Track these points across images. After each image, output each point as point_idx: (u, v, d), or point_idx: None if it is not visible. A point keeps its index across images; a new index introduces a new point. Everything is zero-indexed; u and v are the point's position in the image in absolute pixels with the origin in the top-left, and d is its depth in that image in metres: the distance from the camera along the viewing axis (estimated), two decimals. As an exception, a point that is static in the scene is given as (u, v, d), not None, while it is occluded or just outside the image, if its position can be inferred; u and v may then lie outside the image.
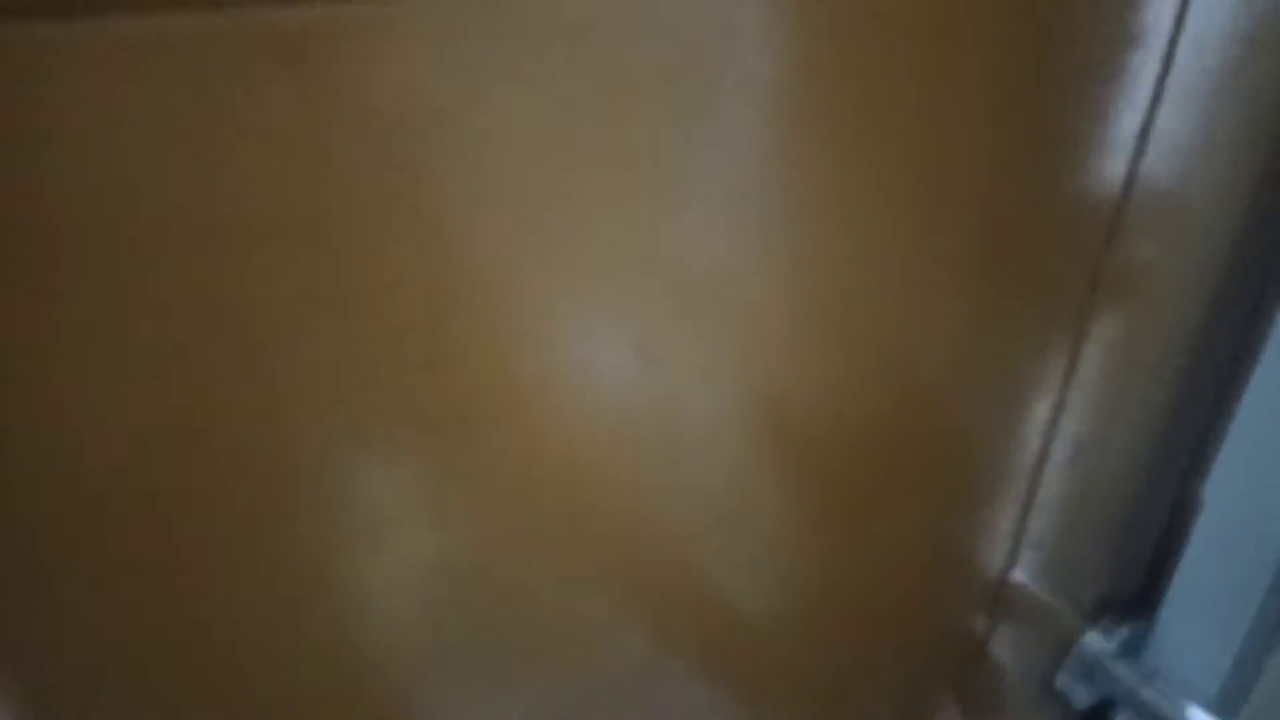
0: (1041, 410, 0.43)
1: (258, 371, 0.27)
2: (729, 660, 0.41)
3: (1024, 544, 0.46)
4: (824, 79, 0.30)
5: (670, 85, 0.28)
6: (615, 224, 0.29)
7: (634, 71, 0.27)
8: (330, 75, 0.24)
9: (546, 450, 0.32)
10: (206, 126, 0.23)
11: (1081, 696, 0.46)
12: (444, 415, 0.30)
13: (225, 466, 0.28)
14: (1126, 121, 0.37)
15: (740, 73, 0.28)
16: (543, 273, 0.29)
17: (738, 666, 0.41)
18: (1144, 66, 0.36)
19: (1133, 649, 0.47)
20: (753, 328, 0.33)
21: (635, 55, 0.27)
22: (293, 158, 0.24)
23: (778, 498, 0.37)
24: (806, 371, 0.35)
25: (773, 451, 0.36)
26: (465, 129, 0.25)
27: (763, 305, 0.33)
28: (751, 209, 0.30)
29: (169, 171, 0.23)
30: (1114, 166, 0.38)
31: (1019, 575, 0.47)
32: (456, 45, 0.25)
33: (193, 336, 0.25)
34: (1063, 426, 0.44)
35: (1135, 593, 0.51)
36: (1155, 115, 0.38)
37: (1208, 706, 0.44)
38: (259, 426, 0.27)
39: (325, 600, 0.31)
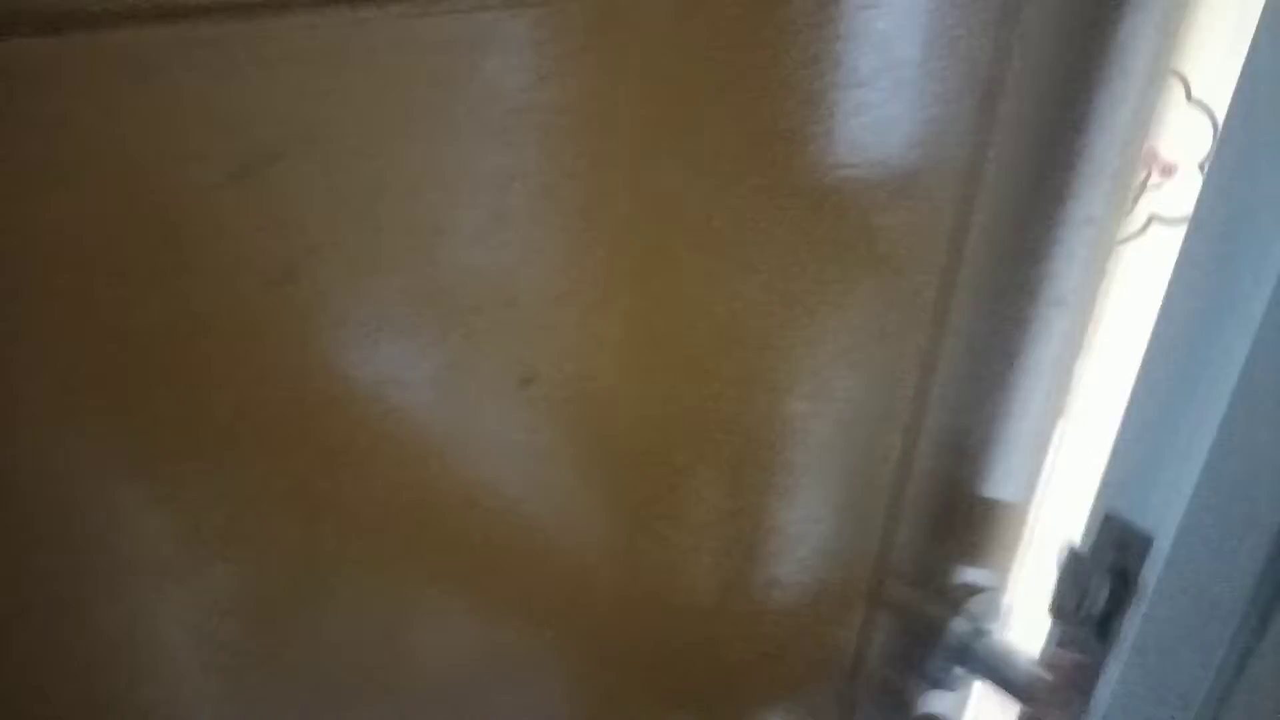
0: (902, 411, 0.44)
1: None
2: (601, 665, 0.41)
3: (893, 540, 0.48)
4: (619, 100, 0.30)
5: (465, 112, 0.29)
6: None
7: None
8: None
9: (353, 469, 0.31)
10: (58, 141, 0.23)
11: (952, 678, 0.49)
12: (237, 430, 0.29)
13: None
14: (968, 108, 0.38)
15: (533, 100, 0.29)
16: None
17: (613, 670, 0.41)
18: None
19: (994, 631, 0.51)
20: (581, 341, 0.34)
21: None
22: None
23: (635, 505, 0.38)
24: (647, 381, 0.35)
25: (608, 465, 0.37)
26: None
27: (596, 318, 0.33)
28: (568, 227, 0.31)
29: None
30: (959, 156, 0.39)
31: (890, 569, 0.49)
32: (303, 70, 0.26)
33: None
34: (926, 425, 0.45)
35: (995, 578, 0.55)
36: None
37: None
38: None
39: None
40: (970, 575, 0.54)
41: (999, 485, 0.52)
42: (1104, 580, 0.39)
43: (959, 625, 0.49)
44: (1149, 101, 0.44)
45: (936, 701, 0.55)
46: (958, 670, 0.49)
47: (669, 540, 0.42)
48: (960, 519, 0.52)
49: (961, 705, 0.59)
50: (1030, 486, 0.54)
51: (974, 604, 0.50)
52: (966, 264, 0.42)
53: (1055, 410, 0.53)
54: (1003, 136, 0.39)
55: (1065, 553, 0.41)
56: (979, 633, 0.49)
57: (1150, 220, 0.57)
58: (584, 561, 0.39)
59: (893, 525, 0.48)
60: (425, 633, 0.36)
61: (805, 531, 0.46)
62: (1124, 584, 0.39)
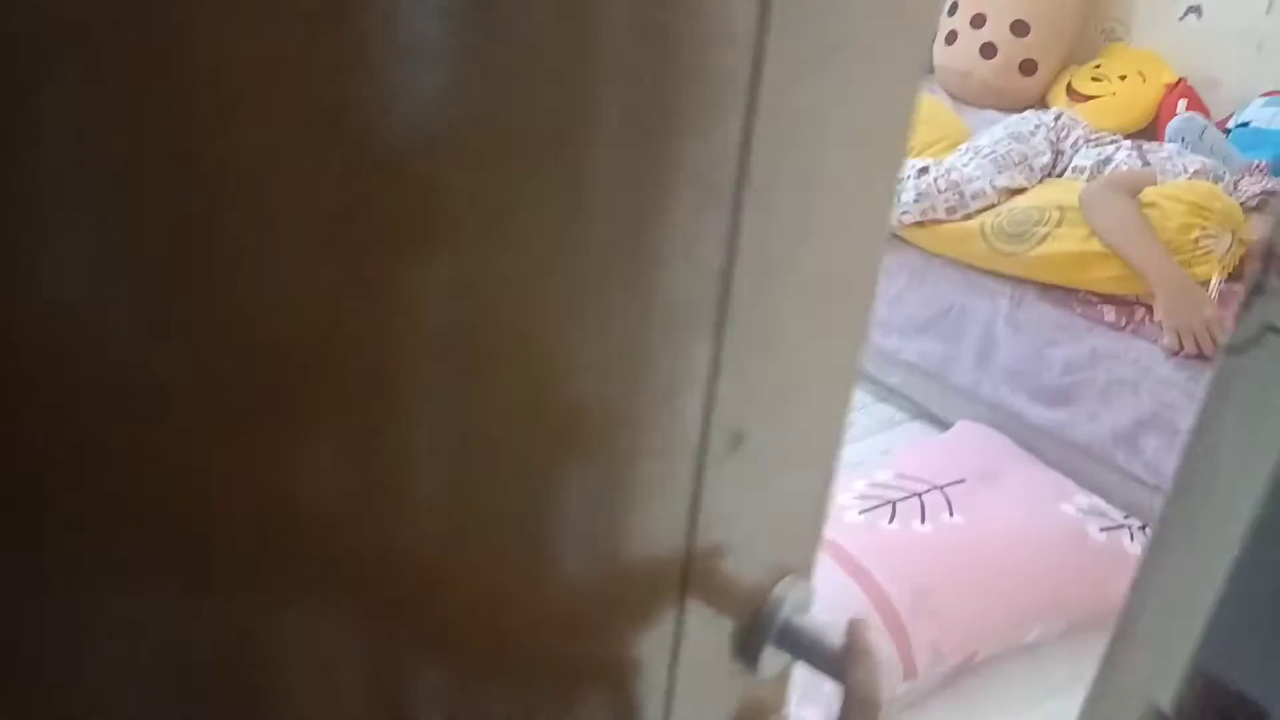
0: (694, 402, 0.44)
1: None
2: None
3: (699, 526, 0.48)
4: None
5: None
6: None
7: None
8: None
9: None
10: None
11: (772, 659, 0.50)
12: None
13: None
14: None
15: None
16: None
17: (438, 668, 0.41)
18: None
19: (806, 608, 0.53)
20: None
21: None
22: None
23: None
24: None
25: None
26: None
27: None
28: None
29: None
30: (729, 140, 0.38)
31: (701, 556, 0.49)
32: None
33: None
34: (717, 415, 0.45)
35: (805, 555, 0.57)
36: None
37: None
38: None
39: None
40: (779, 556, 0.55)
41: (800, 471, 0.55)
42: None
43: (773, 605, 0.51)
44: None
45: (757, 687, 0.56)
46: (774, 652, 0.50)
47: (535, 545, 0.41)
48: (766, 501, 0.53)
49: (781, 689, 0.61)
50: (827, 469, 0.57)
51: (784, 585, 0.52)
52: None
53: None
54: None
55: (1152, 715, 0.39)
56: (793, 613, 0.51)
57: (1265, 330, 0.54)
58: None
59: (696, 511, 0.48)
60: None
61: (614, 522, 0.45)
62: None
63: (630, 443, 0.43)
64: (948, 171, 1.91)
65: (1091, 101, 2.85)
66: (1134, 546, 1.49)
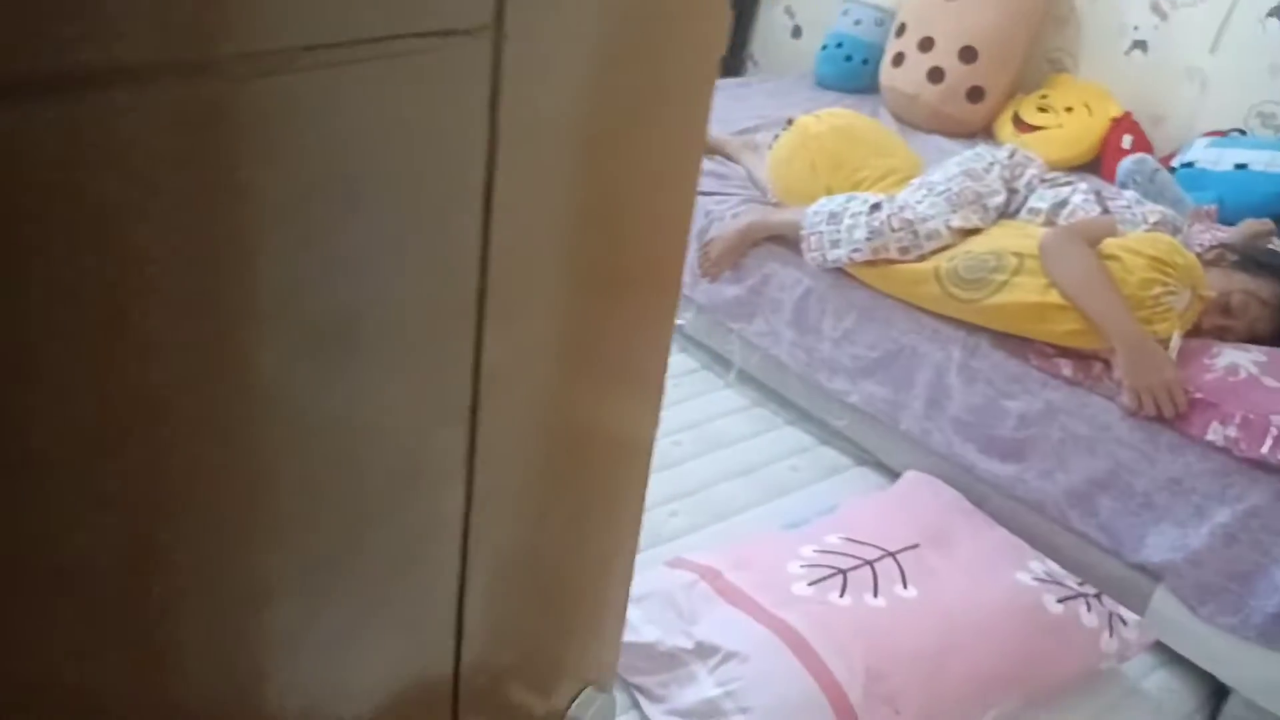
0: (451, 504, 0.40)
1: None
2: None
3: (467, 647, 0.45)
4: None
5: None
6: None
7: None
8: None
9: None
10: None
11: None
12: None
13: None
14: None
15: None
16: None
17: None
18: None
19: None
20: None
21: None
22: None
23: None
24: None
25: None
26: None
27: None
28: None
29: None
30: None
31: (473, 678, 0.46)
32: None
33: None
34: (474, 523, 0.41)
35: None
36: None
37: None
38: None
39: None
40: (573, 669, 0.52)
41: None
42: None
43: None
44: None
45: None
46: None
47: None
48: (545, 611, 0.51)
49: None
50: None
51: (582, 702, 0.48)
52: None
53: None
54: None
55: None
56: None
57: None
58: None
59: (462, 632, 0.44)
60: None
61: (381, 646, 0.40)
62: None
63: (368, 563, 0.37)
64: (901, 209, 1.83)
65: (1039, 133, 2.81)
66: (1091, 618, 1.42)
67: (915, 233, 1.79)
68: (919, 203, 1.84)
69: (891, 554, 1.47)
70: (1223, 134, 2.56)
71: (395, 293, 0.31)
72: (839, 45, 3.22)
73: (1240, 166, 2.37)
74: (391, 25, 0.27)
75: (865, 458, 2.01)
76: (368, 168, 0.28)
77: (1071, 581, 1.50)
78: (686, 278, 2.27)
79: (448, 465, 0.38)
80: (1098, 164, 2.76)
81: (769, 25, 3.86)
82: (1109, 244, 1.61)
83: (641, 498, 0.56)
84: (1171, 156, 2.61)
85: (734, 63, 3.95)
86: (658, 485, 1.89)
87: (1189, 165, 2.47)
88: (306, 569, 0.34)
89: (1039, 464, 1.66)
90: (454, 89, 0.30)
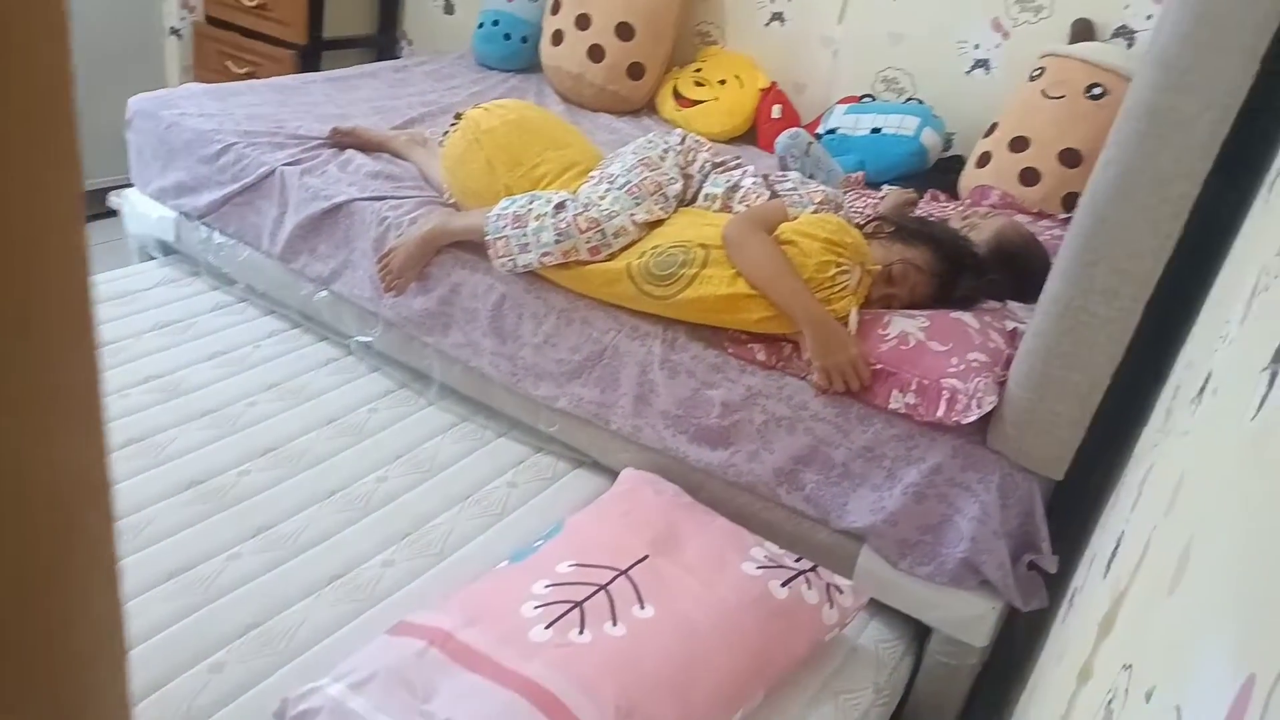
0: None
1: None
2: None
3: None
4: None
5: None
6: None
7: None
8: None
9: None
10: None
11: None
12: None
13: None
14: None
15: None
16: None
17: None
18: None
19: None
20: None
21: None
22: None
23: None
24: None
25: None
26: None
27: None
28: None
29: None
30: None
31: None
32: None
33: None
34: None
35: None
36: None
37: None
38: None
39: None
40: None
41: None
42: None
43: None
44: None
45: None
46: None
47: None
48: None
49: None
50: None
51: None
52: None
53: None
54: None
55: None
56: None
57: None
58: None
59: None
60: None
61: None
62: None
63: None
64: (586, 208, 1.78)
65: (698, 106, 2.90)
66: (812, 594, 1.49)
67: (603, 232, 1.75)
68: (602, 199, 1.80)
69: (624, 572, 1.44)
70: (857, 100, 2.78)
71: None
72: (495, 23, 3.11)
73: (875, 131, 2.59)
74: None
75: (582, 459, 1.97)
76: None
77: (790, 560, 1.56)
78: (368, 291, 2.08)
79: None
80: (754, 134, 2.91)
81: (418, 1, 3.65)
82: (784, 229, 1.67)
83: (111, 574, 0.38)
84: (817, 122, 2.81)
85: (386, 42, 3.71)
86: (367, 532, 1.73)
87: (832, 132, 2.67)
88: None
89: (746, 447, 1.71)
90: None
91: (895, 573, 1.61)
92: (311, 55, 3.37)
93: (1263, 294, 0.76)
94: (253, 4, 3.33)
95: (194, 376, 2.05)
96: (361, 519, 1.73)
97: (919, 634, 1.68)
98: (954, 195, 2.52)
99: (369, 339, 2.17)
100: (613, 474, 1.91)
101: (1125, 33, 2.47)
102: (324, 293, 2.20)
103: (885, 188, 2.49)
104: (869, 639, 1.64)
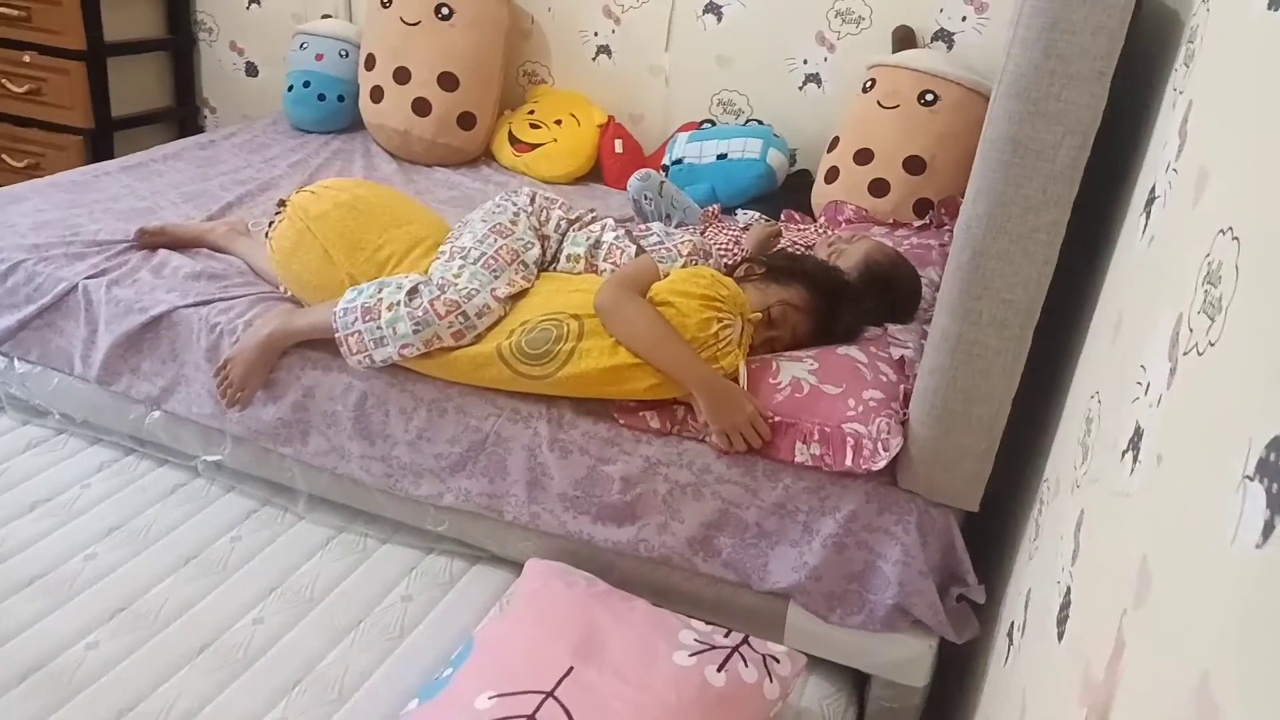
0: None
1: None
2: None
3: None
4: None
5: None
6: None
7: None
8: None
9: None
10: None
11: None
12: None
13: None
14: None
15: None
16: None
17: None
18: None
19: None
20: None
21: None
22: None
23: None
24: None
25: None
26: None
27: None
28: None
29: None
30: None
31: None
32: None
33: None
34: None
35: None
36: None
37: None
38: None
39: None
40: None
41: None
42: None
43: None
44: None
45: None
46: None
47: None
48: None
49: None
50: None
51: None
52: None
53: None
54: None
55: None
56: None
57: None
58: None
59: None
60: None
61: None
62: None
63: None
64: (442, 290, 1.64)
65: (537, 150, 2.79)
66: (750, 672, 1.41)
67: (465, 314, 1.62)
68: (458, 277, 1.67)
69: (550, 694, 1.32)
70: (697, 125, 2.75)
71: None
72: (306, 84, 2.91)
73: (722, 157, 2.55)
74: None
75: (479, 554, 1.83)
76: None
77: (720, 637, 1.47)
78: (209, 407, 1.87)
79: None
80: (599, 170, 2.83)
81: (216, 65, 3.39)
82: (659, 291, 1.59)
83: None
84: (661, 152, 2.75)
85: (186, 114, 3.42)
86: (251, 689, 1.51)
87: (679, 162, 2.62)
88: None
89: (654, 519, 1.61)
90: None
91: (826, 626, 1.55)
92: (102, 138, 3.06)
93: (1194, 357, 0.73)
94: (22, 90, 2.99)
95: (13, 536, 1.78)
96: (242, 674, 1.53)
97: (859, 681, 1.63)
98: (808, 212, 2.51)
99: (217, 457, 1.96)
100: (514, 565, 1.78)
101: (944, 36, 2.53)
102: (156, 413, 1.96)
103: (741, 213, 2.46)
104: (811, 698, 1.58)
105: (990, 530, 1.50)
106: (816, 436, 1.48)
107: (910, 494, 1.47)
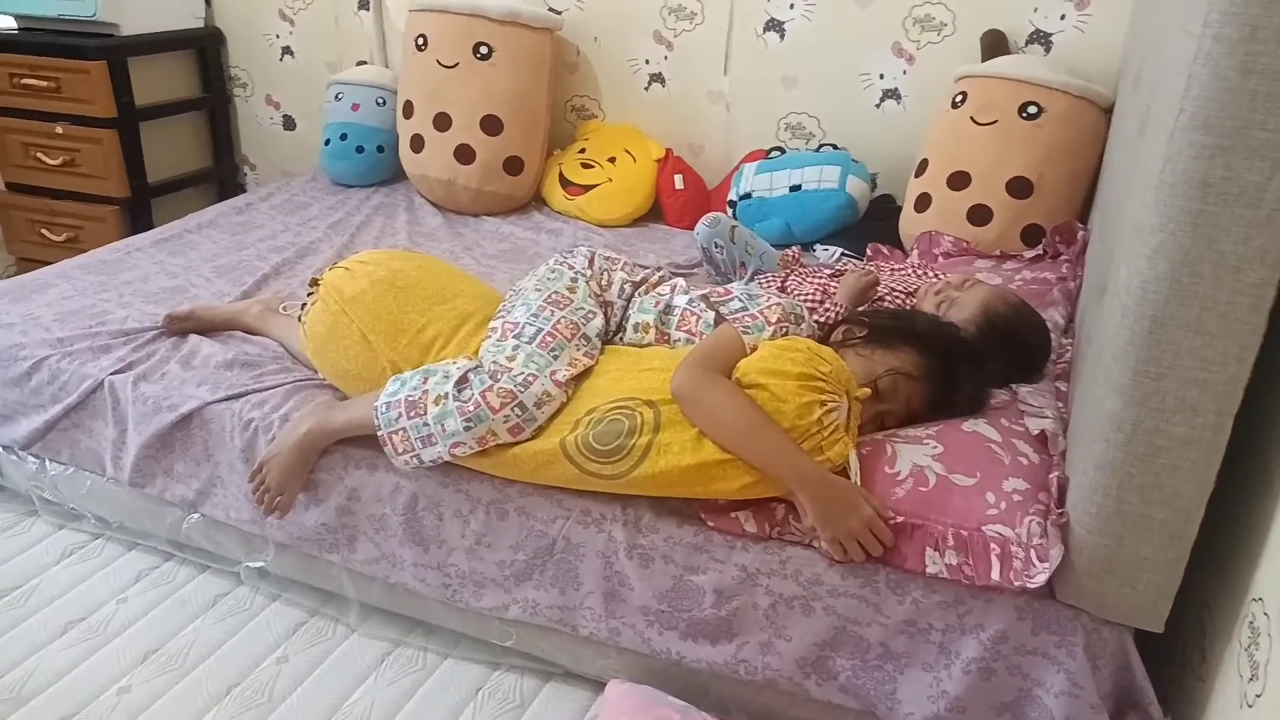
0: None
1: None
2: None
3: None
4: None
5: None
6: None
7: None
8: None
9: None
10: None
11: None
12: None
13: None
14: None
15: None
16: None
17: None
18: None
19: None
20: None
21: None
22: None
23: None
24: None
25: None
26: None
27: None
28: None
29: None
30: None
31: None
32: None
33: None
34: None
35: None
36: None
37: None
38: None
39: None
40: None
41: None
42: None
43: None
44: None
45: None
46: None
47: None
48: None
49: None
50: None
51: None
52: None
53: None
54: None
55: None
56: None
57: None
58: None
59: None
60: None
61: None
62: None
63: None
64: (494, 378, 1.42)
65: (591, 192, 2.58)
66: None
67: (522, 405, 1.40)
68: (511, 360, 1.45)
69: None
70: (765, 154, 2.50)
71: None
72: (343, 136, 2.74)
73: (795, 188, 2.31)
74: None
75: (552, 670, 1.60)
76: None
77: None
78: (246, 512, 1.68)
79: None
80: (658, 210, 2.60)
81: (252, 121, 3.26)
82: (747, 370, 1.35)
83: None
84: (726, 186, 2.52)
85: (226, 173, 3.29)
86: None
87: (747, 197, 2.38)
88: None
89: (755, 637, 1.37)
90: None
91: (972, 764, 1.29)
92: (139, 206, 2.93)
93: None
94: (57, 162, 2.88)
95: (44, 666, 1.61)
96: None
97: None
98: (896, 244, 2.25)
99: (260, 564, 1.77)
100: (593, 683, 1.55)
101: (1040, 38, 2.25)
102: (194, 516, 1.79)
103: (820, 249, 2.21)
104: None
105: (1149, 638, 1.23)
106: (951, 542, 1.23)
107: (1074, 609, 1.20)
